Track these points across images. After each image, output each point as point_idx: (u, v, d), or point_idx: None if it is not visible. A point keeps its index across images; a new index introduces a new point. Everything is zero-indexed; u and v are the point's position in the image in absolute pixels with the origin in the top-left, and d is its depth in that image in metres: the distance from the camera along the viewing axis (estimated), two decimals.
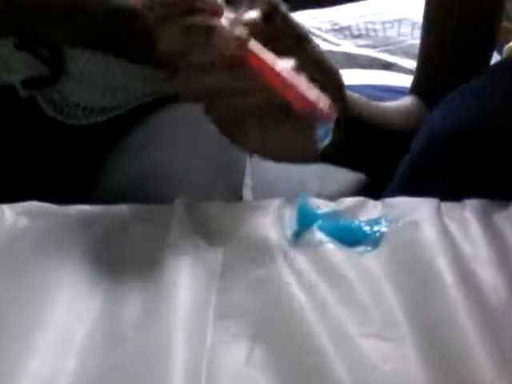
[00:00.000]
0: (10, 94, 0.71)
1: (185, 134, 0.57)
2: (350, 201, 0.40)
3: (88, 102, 0.70)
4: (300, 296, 0.29)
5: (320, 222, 0.36)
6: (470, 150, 0.47)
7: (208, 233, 0.36)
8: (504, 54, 0.70)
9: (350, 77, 1.07)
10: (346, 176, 0.74)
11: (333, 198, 0.42)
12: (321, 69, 0.44)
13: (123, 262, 0.34)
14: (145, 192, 0.44)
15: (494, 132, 0.47)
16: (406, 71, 1.08)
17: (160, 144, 0.53)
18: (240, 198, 0.62)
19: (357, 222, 0.37)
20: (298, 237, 0.36)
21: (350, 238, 0.36)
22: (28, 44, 0.66)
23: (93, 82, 0.69)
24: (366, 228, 0.37)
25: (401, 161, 0.57)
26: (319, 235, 0.35)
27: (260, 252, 0.33)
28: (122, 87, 0.67)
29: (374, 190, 0.68)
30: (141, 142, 0.51)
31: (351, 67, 1.10)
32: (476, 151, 0.47)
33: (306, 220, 0.36)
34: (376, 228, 0.37)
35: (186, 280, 0.31)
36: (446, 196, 0.41)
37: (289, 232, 0.36)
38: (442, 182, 0.48)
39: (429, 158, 0.50)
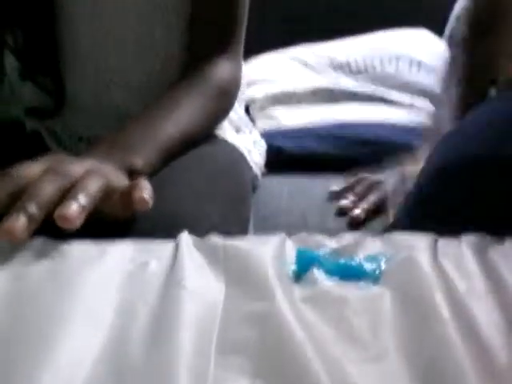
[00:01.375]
0: (18, 128, 0.73)
1: (197, 171, 0.59)
2: (349, 237, 0.41)
3: (90, 133, 0.72)
4: (299, 333, 0.30)
5: (320, 261, 0.37)
6: (476, 181, 0.48)
7: (211, 268, 0.37)
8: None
9: (350, 112, 1.09)
10: None
11: (333, 231, 0.43)
12: None
13: (127, 298, 0.35)
14: (163, 228, 0.46)
15: (504, 160, 0.48)
16: (405, 106, 1.10)
17: (176, 182, 0.55)
18: (246, 232, 0.64)
19: (357, 260, 0.38)
20: (297, 276, 0.37)
21: (350, 275, 0.37)
22: (31, 74, 0.68)
23: (96, 112, 0.71)
24: (366, 265, 0.38)
25: (407, 195, 0.58)
26: (319, 274, 0.36)
27: (260, 288, 0.34)
28: (125, 116, 0.69)
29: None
30: (157, 179, 0.52)
31: (350, 103, 1.11)
32: (483, 181, 0.48)
33: (305, 262, 0.37)
34: (375, 265, 0.38)
35: (188, 316, 0.32)
36: (451, 230, 0.41)
37: (289, 268, 0.37)
38: (447, 216, 0.49)
39: (435, 191, 0.51)
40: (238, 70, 0.70)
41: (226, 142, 0.72)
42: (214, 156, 0.65)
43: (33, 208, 0.39)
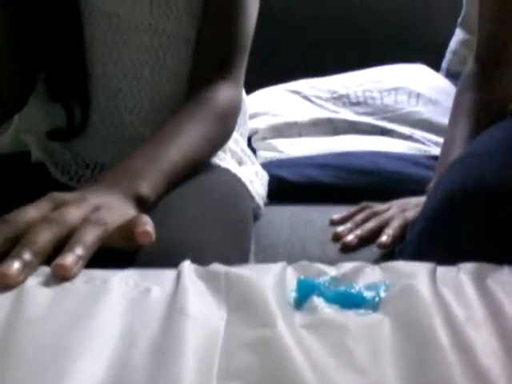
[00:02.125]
0: (23, 159, 0.74)
1: (199, 200, 0.60)
2: (349, 265, 0.42)
3: (98, 160, 0.73)
4: (299, 359, 0.30)
5: (320, 289, 0.38)
6: (483, 210, 0.48)
7: (212, 295, 0.37)
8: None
9: (350, 143, 1.10)
10: None
11: (333, 262, 0.43)
12: None
13: (130, 325, 0.35)
14: (164, 256, 0.46)
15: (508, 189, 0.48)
16: (405, 137, 1.12)
17: (180, 211, 0.56)
18: (247, 261, 0.65)
19: (357, 288, 0.39)
20: (298, 304, 0.37)
21: (350, 303, 0.38)
22: (61, 95, 0.72)
23: (105, 137, 0.73)
24: (366, 293, 0.38)
25: (412, 224, 0.58)
26: (319, 301, 0.37)
27: (261, 314, 0.34)
28: (132, 141, 0.71)
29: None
30: (159, 207, 0.54)
31: (351, 133, 1.13)
32: (490, 211, 0.48)
33: (305, 289, 0.38)
34: (375, 293, 0.38)
35: (190, 342, 0.32)
36: (456, 258, 0.41)
37: (290, 296, 0.38)
38: (453, 245, 0.49)
39: (441, 220, 0.51)
40: (239, 94, 0.73)
41: (228, 171, 0.73)
42: (217, 185, 0.66)
43: (28, 255, 0.40)
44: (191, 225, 0.55)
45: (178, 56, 0.72)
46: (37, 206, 0.46)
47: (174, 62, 0.72)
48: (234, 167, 0.75)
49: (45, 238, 0.42)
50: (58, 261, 0.40)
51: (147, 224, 0.45)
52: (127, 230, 0.45)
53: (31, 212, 0.45)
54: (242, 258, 0.62)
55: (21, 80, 0.70)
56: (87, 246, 0.42)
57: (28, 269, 0.40)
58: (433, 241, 0.51)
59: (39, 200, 0.46)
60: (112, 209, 0.47)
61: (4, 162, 0.75)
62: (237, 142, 0.80)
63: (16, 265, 0.39)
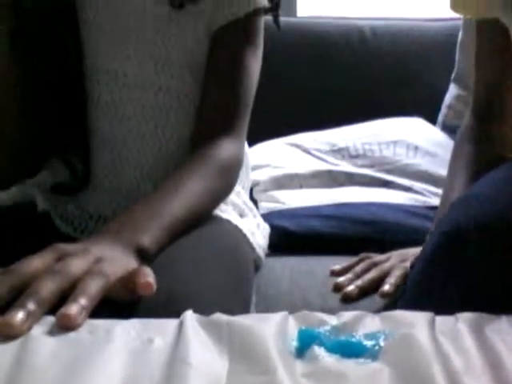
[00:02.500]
0: (29, 210, 0.75)
1: (200, 250, 0.61)
2: (349, 315, 0.42)
3: (101, 212, 0.74)
4: None
5: (320, 338, 0.38)
6: (481, 249, 0.47)
7: (215, 344, 0.38)
8: None
9: (350, 194, 1.12)
10: None
11: (334, 312, 0.44)
12: None
13: (132, 375, 0.36)
14: (164, 305, 0.47)
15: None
16: (404, 188, 1.13)
17: (181, 261, 0.57)
18: (248, 311, 0.65)
19: (357, 337, 0.39)
20: (299, 353, 0.38)
21: (350, 352, 0.38)
22: (61, 151, 0.74)
23: (108, 191, 0.74)
24: (366, 342, 0.39)
25: (411, 267, 0.58)
26: (319, 351, 0.37)
27: (262, 363, 0.35)
28: (135, 195, 0.72)
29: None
30: (163, 258, 0.55)
31: (351, 185, 1.14)
32: (489, 250, 0.47)
33: (306, 339, 0.39)
34: (375, 342, 0.39)
35: None
36: (456, 304, 0.41)
37: (291, 345, 0.38)
38: (452, 288, 0.48)
39: (440, 258, 0.50)
40: (241, 150, 0.74)
41: (229, 222, 0.74)
42: (218, 236, 0.67)
43: (32, 305, 0.41)
44: (193, 274, 0.56)
45: (182, 113, 0.74)
46: (40, 256, 0.46)
47: (177, 120, 0.74)
48: (235, 219, 0.76)
49: (49, 288, 0.42)
50: (63, 310, 0.40)
51: (148, 275, 0.46)
52: (129, 281, 0.46)
53: (35, 262, 0.45)
54: (243, 307, 0.62)
55: (37, 139, 0.72)
56: (91, 297, 0.43)
57: (32, 318, 0.40)
58: (432, 280, 0.51)
59: (43, 251, 0.47)
60: (114, 260, 0.48)
61: (9, 212, 0.76)
62: (239, 194, 0.81)
63: (20, 314, 0.39)
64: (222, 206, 0.75)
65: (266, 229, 0.86)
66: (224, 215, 0.74)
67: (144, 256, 0.53)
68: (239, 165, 0.74)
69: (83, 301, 0.42)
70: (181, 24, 0.72)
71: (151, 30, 0.72)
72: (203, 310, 0.42)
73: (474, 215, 0.50)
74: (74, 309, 0.41)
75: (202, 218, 0.65)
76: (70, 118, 0.73)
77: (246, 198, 0.85)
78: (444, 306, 0.45)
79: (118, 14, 0.73)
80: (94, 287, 0.44)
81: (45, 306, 0.42)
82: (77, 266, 0.46)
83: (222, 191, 0.70)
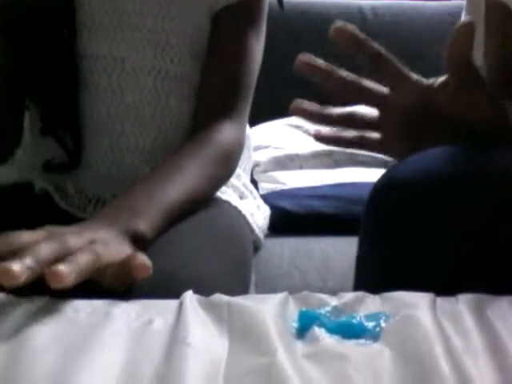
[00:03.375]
0: (26, 190, 0.75)
1: (198, 232, 0.61)
2: (349, 295, 0.42)
3: (100, 195, 0.74)
4: None
5: (321, 320, 0.38)
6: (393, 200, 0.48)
7: (215, 325, 0.38)
8: None
9: (351, 175, 1.11)
10: (346, 271, 0.76)
11: (334, 292, 0.44)
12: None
13: (132, 356, 0.36)
14: (164, 288, 0.47)
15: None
16: None
17: (179, 243, 0.57)
18: (247, 293, 0.65)
19: (357, 318, 0.39)
20: (299, 334, 0.38)
21: (351, 333, 0.38)
22: (52, 129, 0.72)
23: (106, 174, 0.74)
24: (367, 323, 0.39)
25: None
26: (320, 332, 0.37)
27: (263, 344, 0.35)
28: (134, 179, 0.72)
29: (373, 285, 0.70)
30: (160, 241, 0.55)
31: (351, 166, 1.14)
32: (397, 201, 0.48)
33: (307, 320, 0.38)
34: (375, 323, 0.39)
35: (192, 372, 0.33)
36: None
37: (291, 326, 0.38)
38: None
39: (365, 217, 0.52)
40: (243, 134, 0.73)
41: (228, 204, 0.74)
42: (216, 217, 0.67)
43: (30, 260, 0.40)
44: (191, 256, 0.56)
45: (181, 98, 0.73)
46: (33, 232, 0.46)
47: (177, 105, 0.73)
48: (234, 200, 0.76)
49: (45, 251, 0.42)
50: (54, 268, 0.40)
51: (144, 259, 0.45)
52: (123, 265, 0.46)
53: (31, 233, 0.45)
54: (242, 288, 0.62)
55: (15, 111, 0.72)
56: (80, 267, 0.42)
57: (29, 272, 0.40)
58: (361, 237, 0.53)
59: (36, 230, 0.47)
60: (107, 244, 0.47)
61: (8, 191, 0.76)
62: (239, 177, 0.81)
63: (18, 265, 0.39)
64: (222, 187, 0.75)
65: (266, 211, 0.86)
66: (224, 196, 0.74)
67: (140, 242, 0.52)
68: (240, 149, 0.73)
69: (73, 267, 0.41)
70: (181, 6, 0.71)
71: (151, 15, 0.71)
72: (202, 292, 0.42)
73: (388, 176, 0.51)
74: (64, 268, 0.40)
75: (200, 203, 0.64)
76: (61, 99, 0.72)
77: (247, 180, 0.85)
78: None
79: None
80: (84, 260, 0.43)
81: (40, 265, 0.41)
82: (73, 239, 0.45)
83: (222, 176, 0.69)
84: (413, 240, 0.47)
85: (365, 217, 0.52)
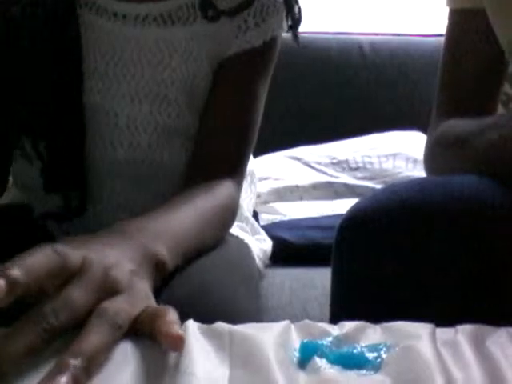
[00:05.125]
0: (25, 211, 0.74)
1: (212, 259, 0.58)
2: (350, 325, 0.42)
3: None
4: None
5: (323, 350, 0.38)
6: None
7: (216, 353, 0.38)
8: None
9: (350, 205, 1.12)
10: None
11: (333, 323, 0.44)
12: None
13: None
14: (192, 308, 0.44)
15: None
16: None
17: (195, 268, 0.53)
18: (262, 316, 0.65)
19: (359, 348, 0.39)
20: (301, 364, 0.38)
21: (352, 364, 0.38)
22: (57, 187, 0.68)
23: (98, 227, 0.72)
24: (368, 354, 0.39)
25: None
26: (322, 363, 0.37)
27: (264, 373, 0.35)
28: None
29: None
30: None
31: (351, 197, 1.15)
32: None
33: (308, 351, 0.39)
34: (376, 354, 0.39)
35: None
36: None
37: (292, 355, 0.38)
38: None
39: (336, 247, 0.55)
40: (240, 191, 0.69)
41: (231, 235, 0.73)
42: (225, 245, 0.64)
43: (15, 271, 0.34)
44: (214, 280, 0.53)
45: (177, 151, 0.69)
46: (38, 258, 0.37)
47: (171, 157, 0.69)
48: (236, 231, 0.76)
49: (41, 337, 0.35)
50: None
51: (175, 322, 0.37)
52: (148, 322, 0.38)
53: (35, 269, 0.36)
54: (257, 313, 0.61)
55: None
56: (89, 358, 0.34)
57: (15, 287, 0.34)
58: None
59: (41, 253, 0.37)
60: (133, 294, 0.40)
61: (4, 211, 0.73)
62: (241, 208, 0.80)
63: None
64: None
65: (267, 243, 0.85)
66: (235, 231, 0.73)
67: (161, 271, 0.46)
68: (237, 208, 0.68)
69: (77, 363, 0.33)
70: (184, 55, 0.65)
71: (150, 65, 0.65)
72: (226, 317, 0.41)
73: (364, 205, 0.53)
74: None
75: (209, 244, 0.59)
76: (68, 154, 0.67)
77: (249, 214, 0.84)
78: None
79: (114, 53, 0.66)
80: (97, 342, 0.35)
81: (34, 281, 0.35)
82: (80, 300, 0.37)
83: (222, 228, 0.64)
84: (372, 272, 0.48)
85: (335, 245, 0.54)
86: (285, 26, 0.69)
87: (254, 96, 0.67)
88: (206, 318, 0.40)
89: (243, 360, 0.37)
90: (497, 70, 0.67)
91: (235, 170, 0.67)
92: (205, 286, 0.52)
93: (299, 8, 0.68)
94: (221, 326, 0.41)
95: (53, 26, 0.63)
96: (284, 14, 0.68)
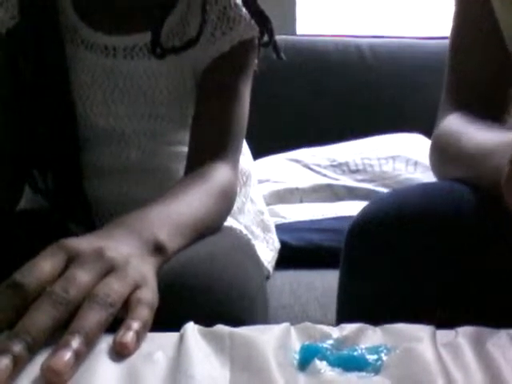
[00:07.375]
0: (44, 216, 0.76)
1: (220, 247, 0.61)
2: (350, 327, 0.42)
3: None
4: None
5: (323, 353, 0.38)
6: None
7: (216, 356, 0.38)
8: None
9: (350, 208, 1.12)
10: None
11: (334, 324, 0.44)
12: None
13: None
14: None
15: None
16: None
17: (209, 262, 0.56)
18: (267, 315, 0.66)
19: (359, 351, 0.39)
20: (301, 366, 0.38)
21: (353, 366, 0.38)
22: (62, 217, 0.75)
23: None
24: (368, 356, 0.39)
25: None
26: (322, 365, 0.37)
27: (264, 375, 0.35)
28: None
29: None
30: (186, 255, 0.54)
31: (351, 200, 1.15)
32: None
33: (308, 353, 0.39)
34: (377, 356, 0.39)
35: None
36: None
37: (293, 358, 0.38)
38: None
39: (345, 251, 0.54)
40: (235, 176, 0.72)
41: (231, 228, 0.74)
42: (233, 238, 0.68)
43: (19, 348, 0.36)
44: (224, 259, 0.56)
45: (168, 158, 0.77)
46: (49, 260, 0.42)
47: (163, 164, 0.77)
48: (234, 224, 0.77)
49: (44, 323, 0.38)
50: (50, 362, 0.35)
51: (133, 323, 0.40)
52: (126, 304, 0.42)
53: (44, 270, 0.41)
54: (265, 312, 0.62)
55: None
56: (86, 335, 0.38)
57: (18, 363, 0.36)
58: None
59: (50, 249, 0.42)
60: (126, 274, 0.43)
61: (24, 214, 0.77)
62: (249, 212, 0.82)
63: (5, 360, 0.35)
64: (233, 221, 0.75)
65: (275, 247, 0.86)
66: (226, 223, 0.74)
67: (162, 254, 0.49)
68: (236, 190, 0.71)
69: (76, 343, 0.37)
70: (169, 77, 0.73)
71: (139, 90, 0.73)
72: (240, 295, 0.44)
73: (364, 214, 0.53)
74: (64, 359, 0.35)
75: (208, 229, 0.61)
76: (70, 189, 0.75)
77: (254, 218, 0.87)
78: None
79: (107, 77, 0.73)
80: (92, 322, 0.39)
81: (35, 348, 0.37)
82: (82, 282, 0.40)
83: (221, 213, 0.67)
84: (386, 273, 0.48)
85: (344, 250, 0.54)
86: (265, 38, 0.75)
87: (236, 91, 0.73)
88: (220, 298, 0.45)
89: (243, 362, 0.37)
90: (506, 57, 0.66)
91: (226, 155, 0.71)
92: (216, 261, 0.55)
93: (262, 11, 0.73)
94: (221, 328, 0.41)
95: (40, 68, 0.71)
96: (251, 20, 0.73)
